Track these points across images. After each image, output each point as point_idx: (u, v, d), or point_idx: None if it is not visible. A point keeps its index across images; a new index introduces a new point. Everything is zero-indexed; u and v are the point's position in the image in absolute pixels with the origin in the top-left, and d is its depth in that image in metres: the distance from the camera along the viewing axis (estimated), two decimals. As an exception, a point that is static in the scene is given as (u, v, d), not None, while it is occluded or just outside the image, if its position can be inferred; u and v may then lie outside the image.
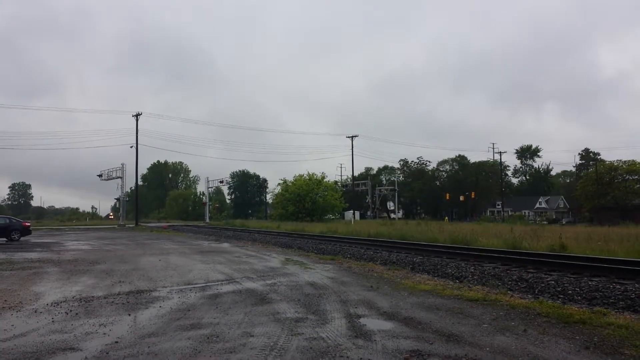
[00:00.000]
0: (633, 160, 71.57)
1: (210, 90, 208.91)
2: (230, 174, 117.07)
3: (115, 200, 68.80)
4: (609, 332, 5.77)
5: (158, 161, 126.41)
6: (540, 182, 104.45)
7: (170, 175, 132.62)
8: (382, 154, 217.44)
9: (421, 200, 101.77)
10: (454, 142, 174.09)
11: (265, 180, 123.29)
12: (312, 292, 8.80)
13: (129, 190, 66.75)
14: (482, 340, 5.47)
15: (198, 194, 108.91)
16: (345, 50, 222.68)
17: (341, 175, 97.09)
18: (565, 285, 9.43)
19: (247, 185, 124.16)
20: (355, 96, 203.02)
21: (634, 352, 5.01)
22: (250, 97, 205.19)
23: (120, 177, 58.42)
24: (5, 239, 26.31)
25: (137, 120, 58.29)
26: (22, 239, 27.12)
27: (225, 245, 22.90)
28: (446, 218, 77.43)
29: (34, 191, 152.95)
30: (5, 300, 8.12)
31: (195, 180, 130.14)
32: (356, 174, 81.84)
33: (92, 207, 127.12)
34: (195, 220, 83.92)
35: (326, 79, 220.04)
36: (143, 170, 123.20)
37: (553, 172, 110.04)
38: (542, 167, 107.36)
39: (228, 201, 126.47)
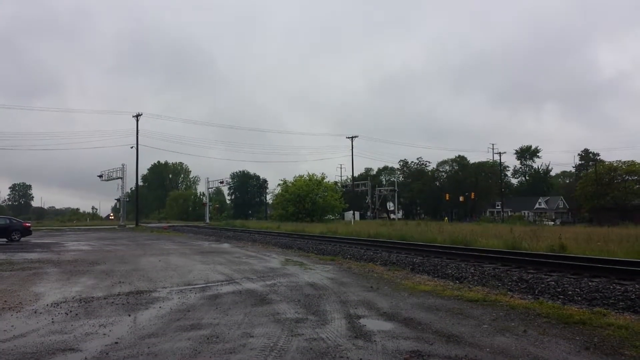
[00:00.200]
0: (633, 161, 71.67)
1: (211, 90, 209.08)
2: (231, 175, 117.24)
3: (116, 201, 69.02)
4: (609, 333, 5.77)
5: (158, 162, 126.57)
6: (540, 182, 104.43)
7: (170, 176, 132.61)
8: (382, 154, 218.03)
9: (421, 200, 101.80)
10: (454, 143, 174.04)
11: (265, 181, 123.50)
12: (312, 292, 8.80)
13: (129, 191, 66.84)
14: (482, 341, 5.47)
15: (198, 194, 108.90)
16: (345, 50, 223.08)
17: (341, 176, 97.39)
18: (565, 285, 9.43)
19: (247, 186, 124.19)
20: (355, 96, 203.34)
21: (634, 352, 5.01)
22: (250, 97, 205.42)
23: (121, 178, 58.41)
24: (5, 240, 26.31)
25: (137, 120, 58.35)
26: (22, 239, 27.12)
27: (226, 245, 22.90)
28: (446, 218, 77.41)
29: (34, 192, 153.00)
30: (5, 301, 8.12)
31: (195, 181, 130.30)
32: (356, 174, 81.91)
33: (93, 208, 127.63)
34: (195, 220, 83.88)
35: (326, 79, 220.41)
36: (143, 170, 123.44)
37: (553, 173, 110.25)
38: (542, 167, 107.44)
39: (228, 202, 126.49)
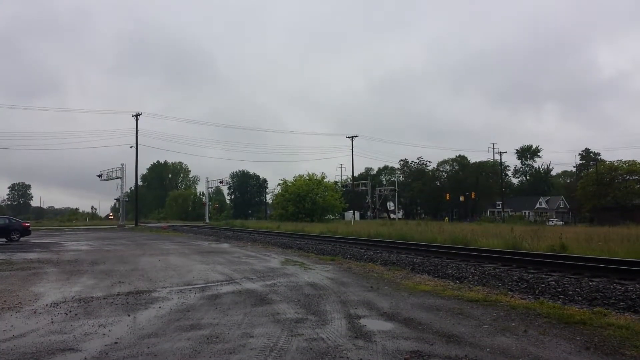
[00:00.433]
0: (633, 161, 71.71)
1: (210, 90, 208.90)
2: (230, 174, 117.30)
3: (115, 201, 69.07)
4: (610, 333, 5.76)
5: (158, 161, 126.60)
6: (541, 182, 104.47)
7: (170, 176, 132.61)
8: (382, 154, 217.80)
9: (421, 200, 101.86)
10: (454, 142, 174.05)
11: (265, 181, 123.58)
12: (312, 292, 8.79)
13: (129, 191, 66.69)
14: (482, 341, 5.46)
15: (198, 194, 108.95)
16: (345, 50, 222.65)
17: (341, 176, 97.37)
18: (566, 285, 9.41)
19: (247, 186, 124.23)
20: (355, 96, 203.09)
21: (634, 352, 5.00)
22: (250, 97, 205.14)
23: (120, 177, 58.38)
24: (4, 240, 26.28)
25: (137, 120, 58.37)
26: (21, 239, 27.09)
27: (225, 245, 22.89)
28: (446, 218, 77.46)
29: (33, 191, 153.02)
30: (5, 301, 8.11)
31: (195, 181, 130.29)
32: (356, 174, 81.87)
33: (92, 208, 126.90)
34: (195, 220, 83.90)
35: (326, 79, 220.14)
36: (143, 170, 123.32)
37: (553, 173, 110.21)
38: (542, 167, 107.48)
39: (228, 201, 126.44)
